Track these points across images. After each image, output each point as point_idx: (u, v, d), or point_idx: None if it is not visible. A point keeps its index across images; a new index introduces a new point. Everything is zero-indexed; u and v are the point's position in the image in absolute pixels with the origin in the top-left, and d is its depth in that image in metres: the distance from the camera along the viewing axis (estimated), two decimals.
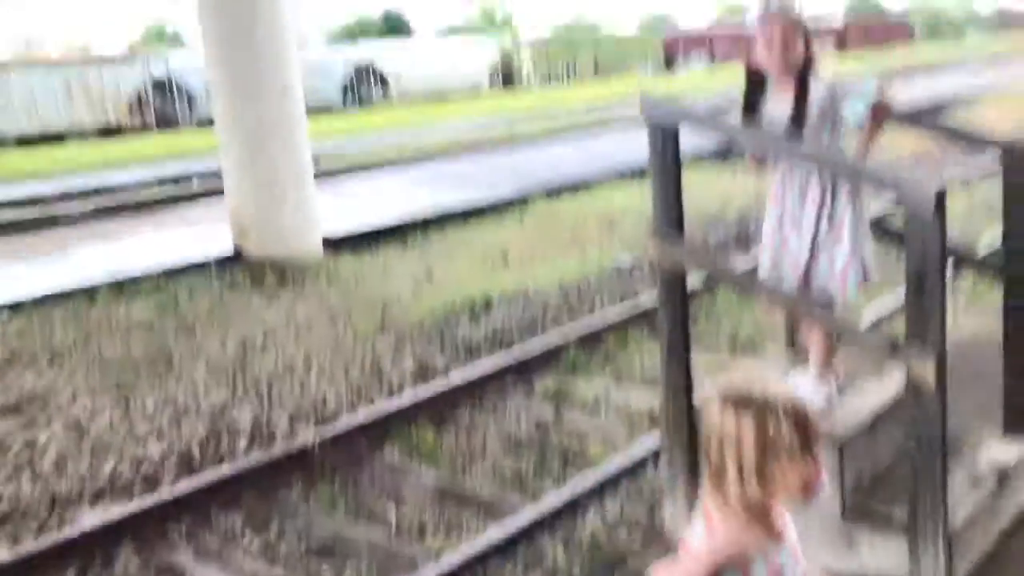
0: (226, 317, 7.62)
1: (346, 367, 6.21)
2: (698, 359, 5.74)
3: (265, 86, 9.16)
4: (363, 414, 5.23)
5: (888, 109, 2.78)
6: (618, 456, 4.52)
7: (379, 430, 5.09)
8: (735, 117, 2.89)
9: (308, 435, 4.96)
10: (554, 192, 12.37)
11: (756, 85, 2.89)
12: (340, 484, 4.61)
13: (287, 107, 9.37)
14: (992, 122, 18.00)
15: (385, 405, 5.34)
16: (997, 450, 2.92)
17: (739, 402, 1.63)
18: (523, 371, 5.87)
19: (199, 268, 9.09)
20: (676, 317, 2.88)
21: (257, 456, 4.82)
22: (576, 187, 12.54)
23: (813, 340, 2.94)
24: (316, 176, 15.63)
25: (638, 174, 13.16)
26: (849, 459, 2.63)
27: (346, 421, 5.16)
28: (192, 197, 14.38)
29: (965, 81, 29.10)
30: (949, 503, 2.58)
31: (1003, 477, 2.80)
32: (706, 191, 11.45)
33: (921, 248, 2.30)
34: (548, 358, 6.04)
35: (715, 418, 1.64)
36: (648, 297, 6.87)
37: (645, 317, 6.53)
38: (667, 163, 2.84)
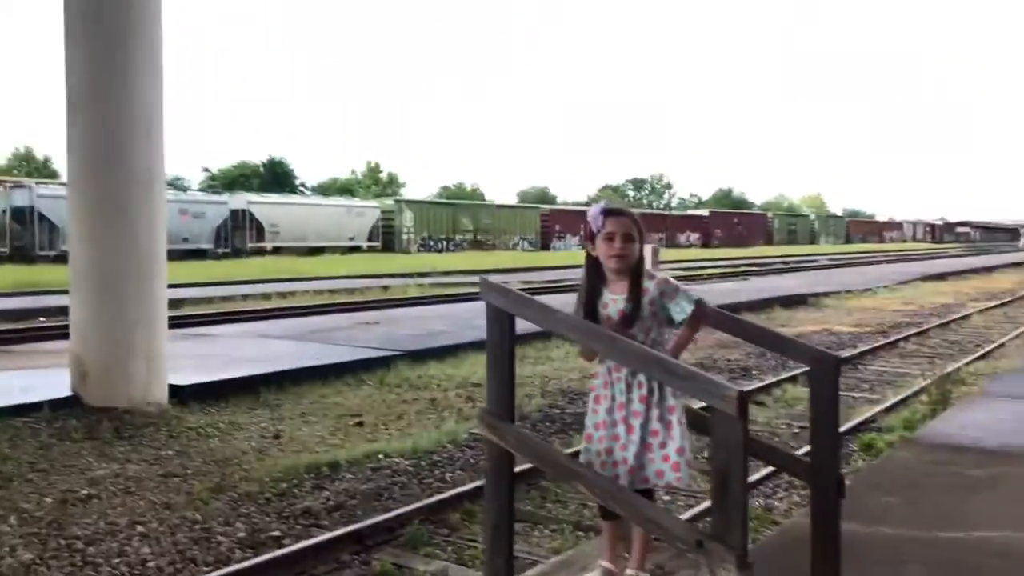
0: (49, 468, 7.12)
1: (173, 531, 5.84)
2: (541, 540, 5.74)
3: (124, 226, 8.97)
4: None
5: (707, 314, 2.95)
6: None
7: None
8: (576, 309, 3.00)
9: None
10: (420, 356, 12.36)
11: (596, 277, 3.02)
12: None
13: (148, 252, 9.16)
14: (832, 323, 19.27)
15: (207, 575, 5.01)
16: None
17: None
18: (361, 544, 5.65)
19: (30, 410, 8.54)
20: (502, 502, 2.87)
21: None
22: (443, 353, 12.57)
23: (636, 534, 2.97)
24: (177, 322, 15.23)
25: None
26: None
27: None
28: (40, 334, 13.69)
29: (815, 280, 31.29)
30: None
31: None
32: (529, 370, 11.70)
33: (725, 447, 2.40)
34: (389, 531, 5.85)
35: None
36: None
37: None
38: (503, 347, 2.91)
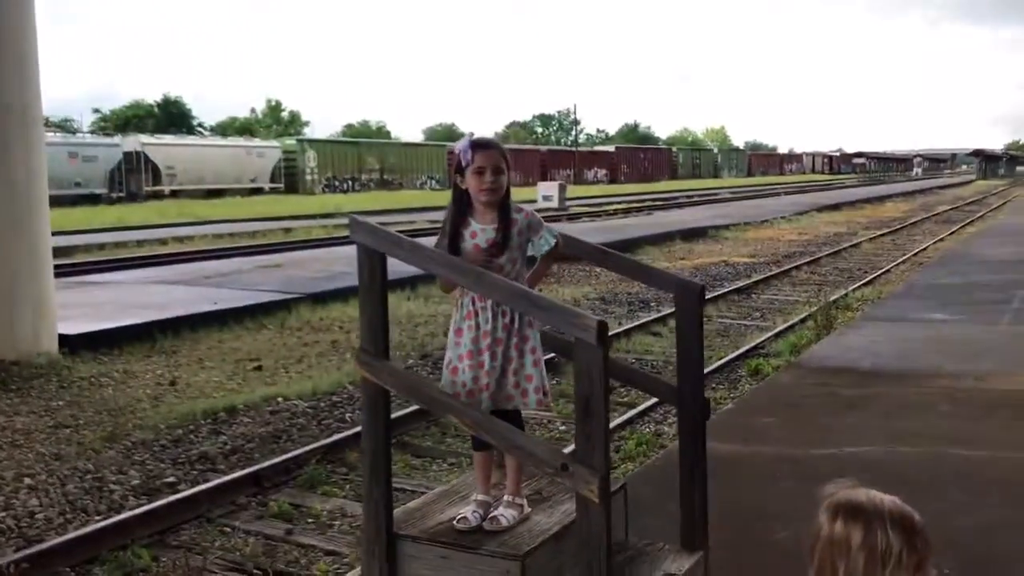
0: None
1: (63, 482, 5.74)
2: (439, 474, 5.84)
3: (2, 171, 8.57)
4: (72, 533, 4.83)
5: (562, 251, 3.05)
6: (347, 574, 4.43)
7: (89, 551, 4.71)
8: (439, 240, 3.03)
9: (4, 556, 4.51)
10: (322, 298, 12.26)
11: (464, 209, 3.05)
12: None
13: (26, 195, 8.79)
14: (729, 255, 19.81)
15: (99, 524, 4.96)
16: (670, 561, 3.13)
17: (848, 511, 1.66)
18: (259, 486, 5.66)
19: None
20: (379, 437, 2.91)
21: None
22: (346, 294, 12.47)
23: (508, 461, 3.07)
24: (68, 270, 14.70)
25: (407, 283, 13.35)
26: (531, 574, 2.73)
27: (51, 542, 4.74)
28: None
29: (717, 213, 31.99)
30: None
31: None
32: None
33: (587, 375, 2.48)
34: (287, 472, 5.87)
35: (824, 526, 1.66)
36: (401, 409, 6.89)
37: (394, 428, 6.53)
38: (374, 285, 2.92)
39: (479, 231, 2.98)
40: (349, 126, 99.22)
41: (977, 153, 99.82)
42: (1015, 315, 9.50)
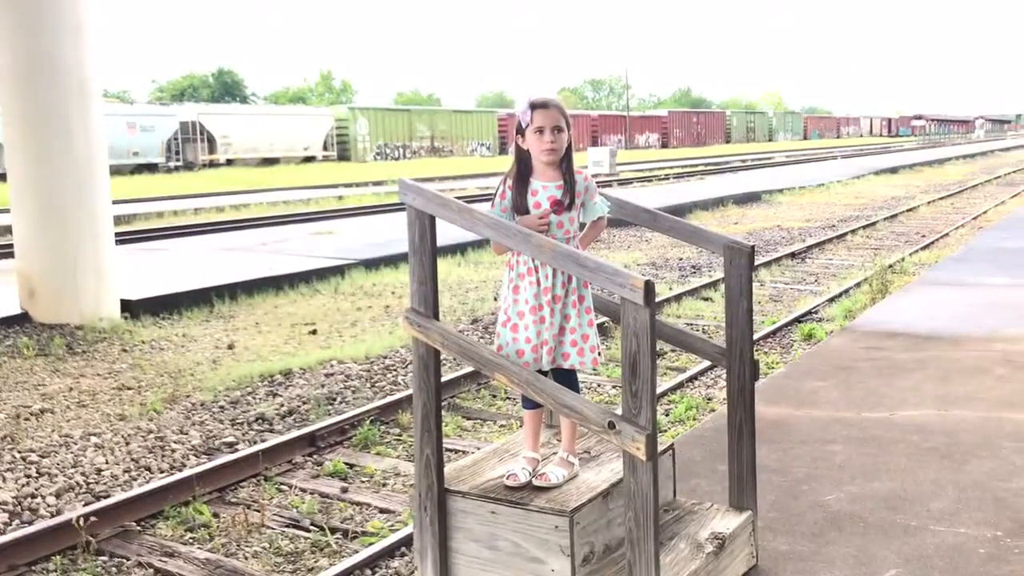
0: (1, 384, 7.15)
1: (127, 441, 5.94)
2: (489, 435, 5.93)
3: (63, 142, 8.80)
4: (137, 490, 5.01)
5: (610, 216, 3.08)
6: (401, 530, 4.54)
7: (153, 506, 4.89)
8: (502, 201, 3.07)
9: (74, 511, 4.70)
10: (374, 264, 12.41)
11: (526, 169, 3.08)
12: (104, 564, 4.39)
13: (87, 165, 9.01)
14: (783, 219, 19.52)
15: (162, 481, 5.14)
16: (718, 520, 3.16)
17: None
18: (314, 446, 5.81)
19: None
20: (430, 396, 2.98)
21: (14, 533, 4.52)
22: (398, 260, 12.59)
23: (563, 420, 3.12)
24: (128, 237, 15.09)
25: (457, 250, 13.43)
26: (580, 531, 2.77)
27: (118, 497, 4.93)
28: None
29: (771, 177, 31.51)
30: (668, 570, 2.76)
31: (720, 545, 3.02)
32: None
33: (634, 334, 2.51)
34: (342, 432, 6.01)
35: None
36: (452, 372, 6.99)
37: (444, 391, 6.64)
38: (424, 247, 2.96)
39: (540, 189, 3.01)
40: (400, 95, 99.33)
41: None
42: None
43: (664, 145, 71.33)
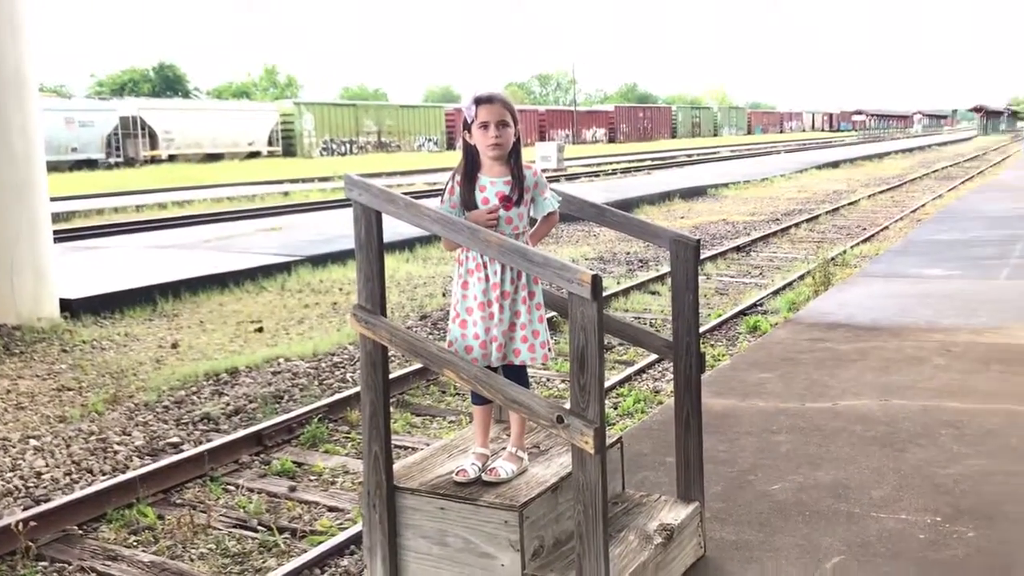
0: None
1: (68, 443, 5.81)
2: (439, 431, 5.92)
3: None
4: (79, 493, 4.90)
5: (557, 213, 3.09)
6: (350, 528, 4.50)
7: (95, 509, 4.79)
8: (451, 197, 3.05)
9: (13, 516, 4.58)
10: (321, 261, 12.29)
11: (473, 164, 3.06)
12: (45, 569, 4.28)
13: (24, 161, 8.77)
14: (729, 213, 19.79)
15: (104, 483, 5.03)
16: (666, 512, 3.19)
17: None
18: (261, 445, 5.74)
19: None
20: (378, 393, 2.96)
21: None
22: (345, 257, 12.49)
23: (512, 415, 3.12)
24: (67, 235, 14.73)
25: (405, 245, 13.36)
26: (529, 525, 2.78)
27: (59, 501, 4.81)
28: None
29: (716, 171, 31.89)
30: (617, 562, 2.78)
31: (669, 536, 3.05)
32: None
33: (582, 328, 2.52)
34: (289, 431, 5.95)
35: None
36: (401, 369, 6.96)
37: (394, 387, 6.62)
38: (370, 243, 2.94)
39: (488, 185, 3.00)
40: (347, 89, 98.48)
41: (978, 109, 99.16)
42: (1012, 270, 9.52)
43: (611, 140, 71.75)
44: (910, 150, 51.66)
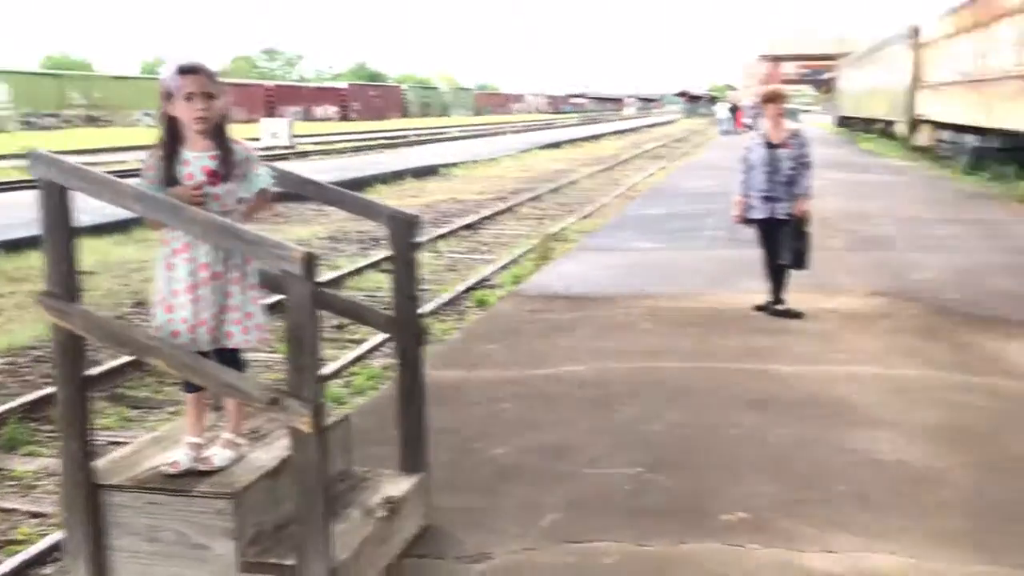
0: None
1: None
2: (157, 423, 5.58)
3: None
4: None
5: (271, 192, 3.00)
6: (53, 534, 4.13)
7: None
8: (150, 173, 2.86)
9: None
10: (19, 246, 11.13)
11: (174, 138, 2.89)
12: None
13: None
14: (459, 192, 20.24)
15: None
16: (391, 485, 3.22)
17: None
18: None
19: None
20: (73, 387, 2.73)
21: None
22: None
23: (227, 401, 2.99)
24: None
25: (119, 227, 12.43)
26: (246, 512, 2.69)
27: None
28: None
29: (446, 151, 32.42)
30: (340, 539, 2.76)
31: (392, 509, 3.08)
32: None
33: (296, 307, 2.46)
34: None
35: None
36: (116, 360, 6.47)
37: (106, 380, 6.16)
38: (59, 223, 2.70)
39: (192, 159, 2.85)
40: (49, 58, 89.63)
41: (682, 94, 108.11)
42: (707, 241, 10.50)
43: (344, 118, 70.71)
44: (623, 131, 55.25)
